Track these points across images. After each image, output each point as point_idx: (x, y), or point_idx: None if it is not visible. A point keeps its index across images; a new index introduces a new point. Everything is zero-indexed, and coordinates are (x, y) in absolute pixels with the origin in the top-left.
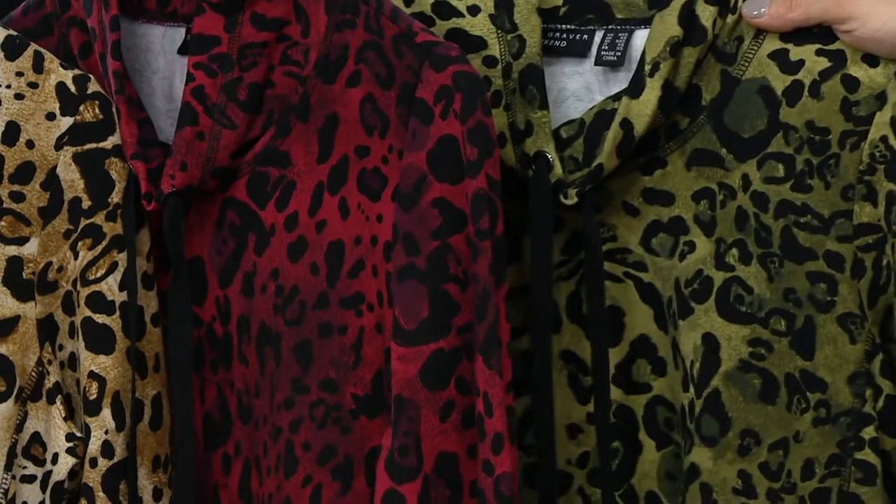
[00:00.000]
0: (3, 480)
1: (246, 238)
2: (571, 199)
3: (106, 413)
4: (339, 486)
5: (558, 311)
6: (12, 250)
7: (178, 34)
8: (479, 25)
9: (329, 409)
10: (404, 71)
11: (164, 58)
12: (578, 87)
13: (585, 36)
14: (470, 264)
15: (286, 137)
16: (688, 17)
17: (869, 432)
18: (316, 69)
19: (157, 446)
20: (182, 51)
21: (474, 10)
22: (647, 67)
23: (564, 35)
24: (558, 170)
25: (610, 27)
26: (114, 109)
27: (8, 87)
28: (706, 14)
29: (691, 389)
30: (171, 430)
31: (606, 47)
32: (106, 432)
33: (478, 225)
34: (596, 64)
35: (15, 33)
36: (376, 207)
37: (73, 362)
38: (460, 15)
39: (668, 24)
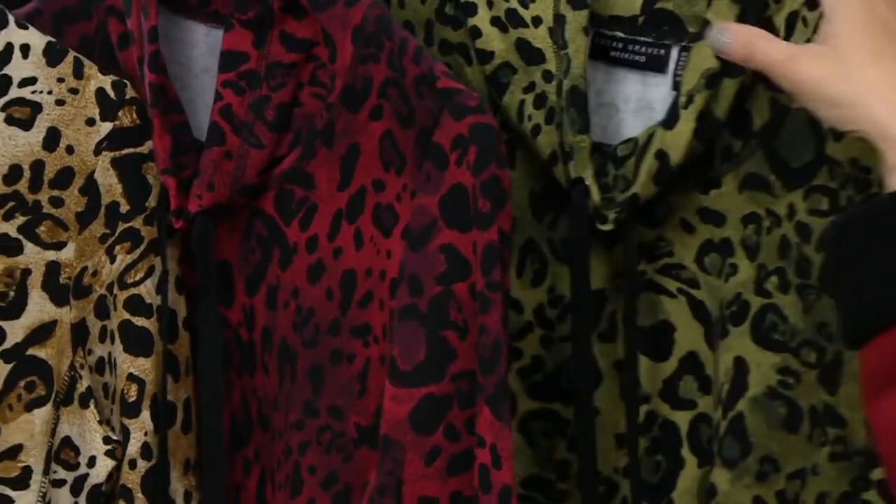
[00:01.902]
0: (42, 485)
1: (272, 251)
2: (608, 226)
3: (145, 415)
4: None
5: (615, 321)
6: (51, 255)
7: (220, 35)
8: (540, 38)
9: (334, 436)
10: (424, 113)
11: (213, 57)
12: (656, 98)
13: (662, 51)
14: (474, 315)
15: (312, 160)
16: None
17: (877, 474)
18: (341, 97)
19: (188, 449)
20: None
21: (537, 22)
22: (682, 99)
23: (644, 48)
24: (595, 197)
25: (684, 44)
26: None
27: (49, 92)
28: None
29: (719, 410)
30: (199, 433)
31: (681, 70)
32: (145, 434)
33: (489, 277)
34: (673, 89)
35: (55, 40)
36: (387, 243)
37: (101, 367)
38: (526, 25)
39: (705, 55)
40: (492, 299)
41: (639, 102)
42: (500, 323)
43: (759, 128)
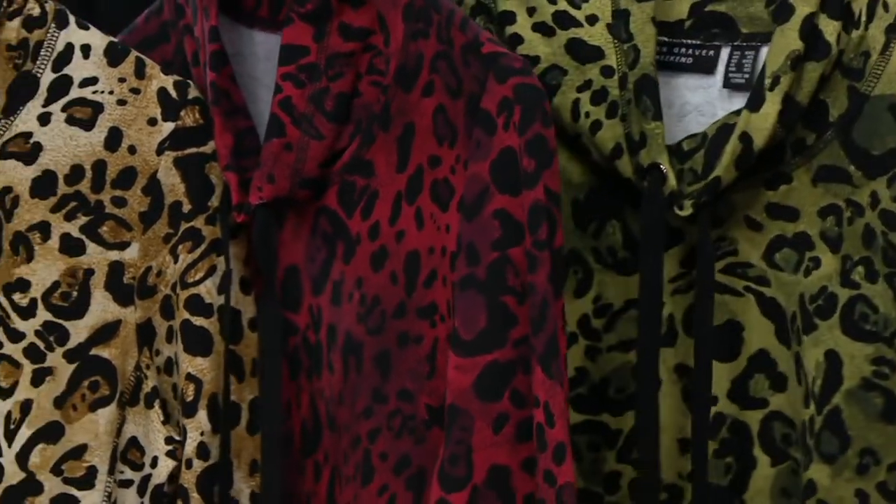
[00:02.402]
0: (107, 485)
1: (335, 246)
2: (686, 211)
3: (202, 415)
4: (412, 497)
5: (674, 325)
6: (114, 255)
7: (276, 40)
8: (596, 35)
9: (405, 419)
10: (471, 81)
11: (268, 63)
12: (701, 101)
13: (711, 52)
14: (527, 275)
15: (370, 146)
16: (810, 32)
17: None
18: (395, 78)
19: (254, 450)
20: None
21: (592, 20)
22: (768, 81)
23: (690, 51)
24: (672, 182)
25: (736, 43)
26: None
27: (111, 93)
28: (829, 29)
29: (812, 406)
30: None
31: (734, 68)
32: (202, 434)
33: (535, 236)
34: (724, 86)
35: (116, 40)
36: (445, 217)
37: (169, 367)
38: (579, 25)
39: (790, 38)
40: (539, 258)
41: (682, 108)
42: (547, 281)
43: (835, 119)
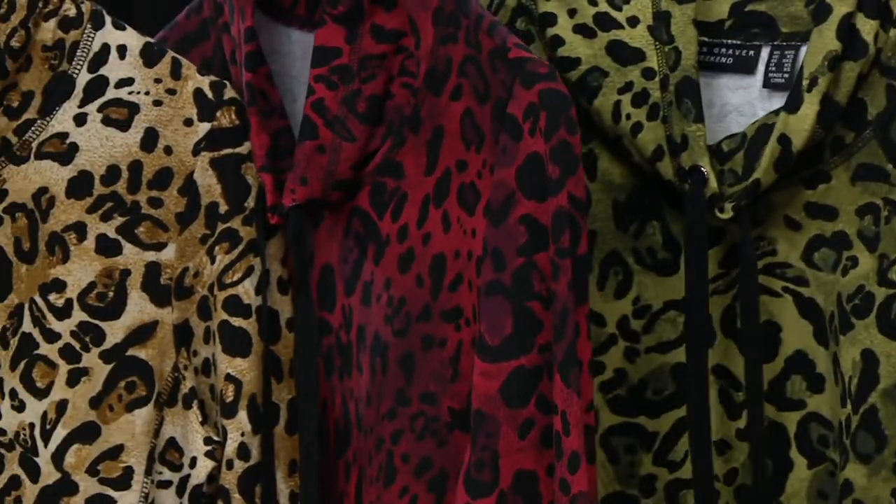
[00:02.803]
0: (144, 485)
1: (367, 247)
2: (727, 213)
3: (242, 415)
4: (433, 499)
5: (712, 326)
6: (151, 256)
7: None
8: (637, 37)
9: (428, 422)
10: (498, 86)
11: (303, 61)
12: (741, 101)
13: (752, 52)
14: (551, 282)
15: (401, 148)
16: (847, 31)
17: None
18: (426, 81)
19: (292, 450)
20: None
21: (633, 22)
22: (805, 82)
23: (730, 51)
24: (713, 184)
25: (776, 43)
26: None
27: (147, 93)
28: (867, 28)
29: (849, 405)
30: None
31: (774, 68)
32: (242, 434)
33: (558, 243)
34: (764, 86)
35: (152, 41)
36: (471, 222)
37: (206, 368)
38: (620, 27)
39: (827, 38)
40: (561, 266)
41: (723, 108)
42: (567, 288)
43: (873, 117)
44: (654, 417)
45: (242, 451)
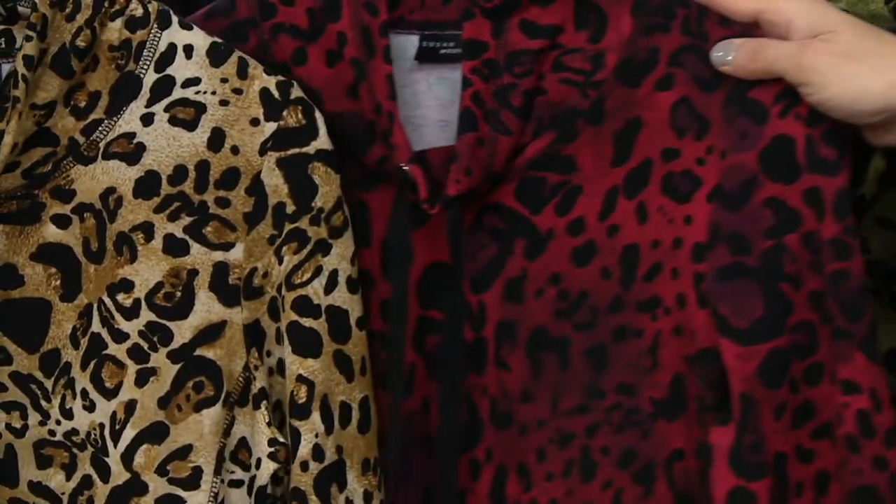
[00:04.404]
0: (214, 484)
1: (511, 243)
2: None
3: (315, 416)
4: (640, 490)
5: None
6: (218, 256)
7: (409, 42)
8: None
9: (627, 413)
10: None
11: (395, 66)
12: None
13: None
14: (808, 264)
15: (571, 142)
16: None
17: None
18: (616, 73)
19: (366, 449)
20: (419, 57)
21: None
22: None
23: None
24: None
25: None
26: (316, 115)
27: (213, 93)
28: None
29: None
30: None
31: None
32: (316, 436)
33: (845, 222)
34: None
35: (220, 41)
36: (683, 209)
37: (281, 368)
38: None
39: None
40: (851, 245)
41: None
42: (861, 266)
43: None
44: None
45: (317, 453)
